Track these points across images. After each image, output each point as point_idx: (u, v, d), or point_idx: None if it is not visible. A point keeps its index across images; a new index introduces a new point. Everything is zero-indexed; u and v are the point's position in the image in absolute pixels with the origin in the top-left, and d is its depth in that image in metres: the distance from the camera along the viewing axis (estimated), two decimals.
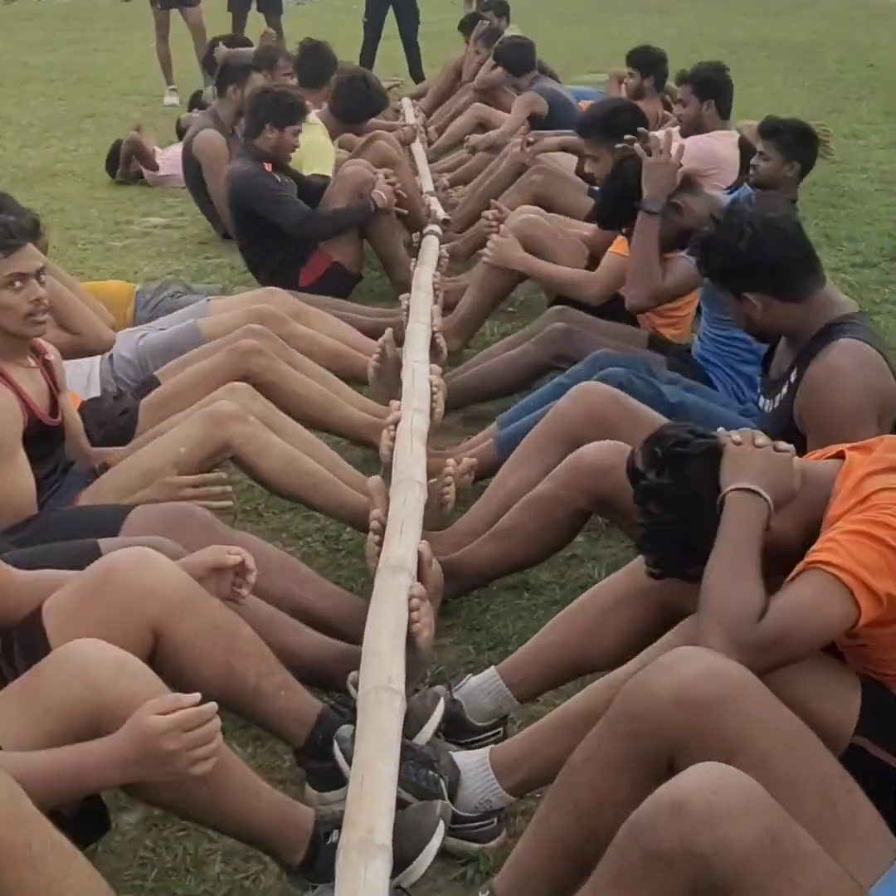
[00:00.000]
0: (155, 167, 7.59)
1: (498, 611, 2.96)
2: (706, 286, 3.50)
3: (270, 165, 5.14)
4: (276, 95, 5.15)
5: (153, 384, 3.60)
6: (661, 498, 2.04)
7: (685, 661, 1.80)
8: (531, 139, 5.95)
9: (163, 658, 2.11)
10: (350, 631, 2.61)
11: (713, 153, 5.15)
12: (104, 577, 2.10)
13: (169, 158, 7.51)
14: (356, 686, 2.30)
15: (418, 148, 7.08)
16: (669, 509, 2.03)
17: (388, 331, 4.01)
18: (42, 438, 2.83)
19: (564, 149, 5.80)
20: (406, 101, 9.14)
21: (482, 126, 7.72)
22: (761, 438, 2.05)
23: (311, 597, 2.70)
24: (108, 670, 1.86)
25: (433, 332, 4.23)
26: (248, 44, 8.08)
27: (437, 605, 2.71)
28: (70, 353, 3.84)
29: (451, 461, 3.15)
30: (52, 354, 2.97)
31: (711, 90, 5.41)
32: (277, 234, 5.10)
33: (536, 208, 4.82)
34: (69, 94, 11.23)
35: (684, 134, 5.22)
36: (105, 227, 6.69)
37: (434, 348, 4.19)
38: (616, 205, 3.85)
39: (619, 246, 4.08)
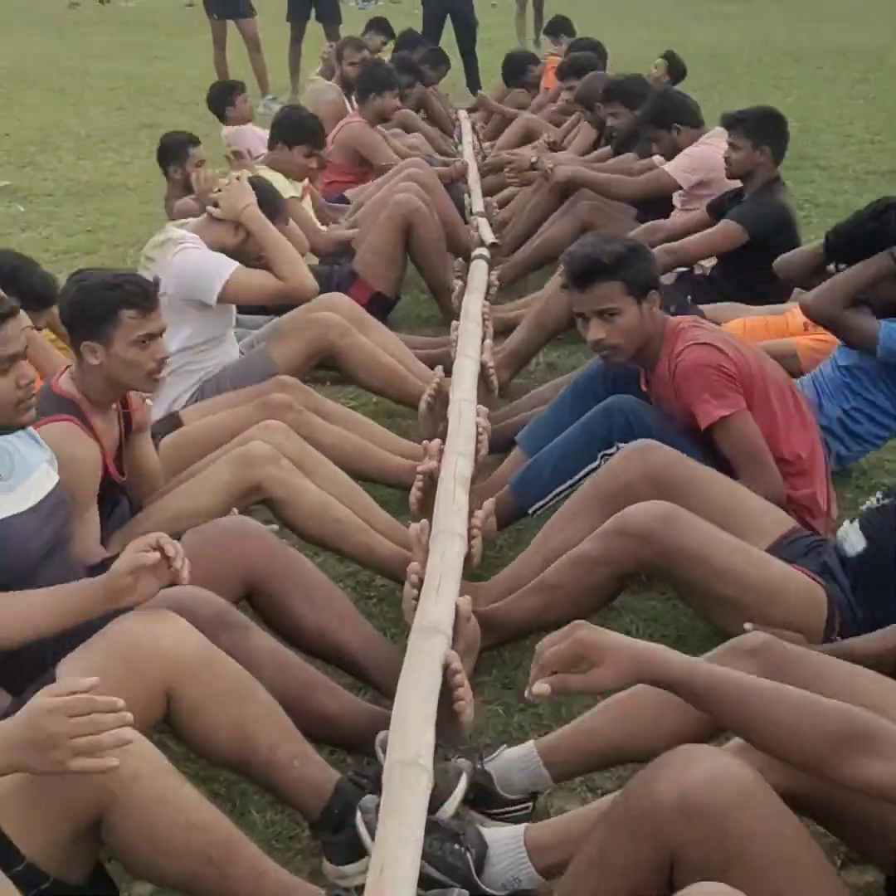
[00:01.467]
0: None
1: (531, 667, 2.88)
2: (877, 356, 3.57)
3: None
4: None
5: (175, 422, 3.55)
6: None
7: (692, 763, 1.70)
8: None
9: (175, 722, 2.11)
10: (382, 681, 2.60)
11: (714, 159, 4.96)
12: (117, 638, 2.08)
13: None
14: (384, 749, 2.25)
15: (472, 166, 6.95)
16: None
17: (440, 368, 3.94)
18: (107, 491, 2.84)
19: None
20: (462, 114, 9.08)
21: (528, 137, 7.61)
22: None
23: (348, 637, 2.66)
24: (115, 751, 1.82)
25: (486, 368, 4.08)
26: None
27: (471, 664, 2.66)
28: (275, 298, 3.90)
29: (478, 513, 3.10)
30: (139, 401, 2.95)
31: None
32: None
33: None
34: (129, 103, 11.32)
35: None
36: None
37: (484, 384, 4.06)
38: (859, 241, 3.66)
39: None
